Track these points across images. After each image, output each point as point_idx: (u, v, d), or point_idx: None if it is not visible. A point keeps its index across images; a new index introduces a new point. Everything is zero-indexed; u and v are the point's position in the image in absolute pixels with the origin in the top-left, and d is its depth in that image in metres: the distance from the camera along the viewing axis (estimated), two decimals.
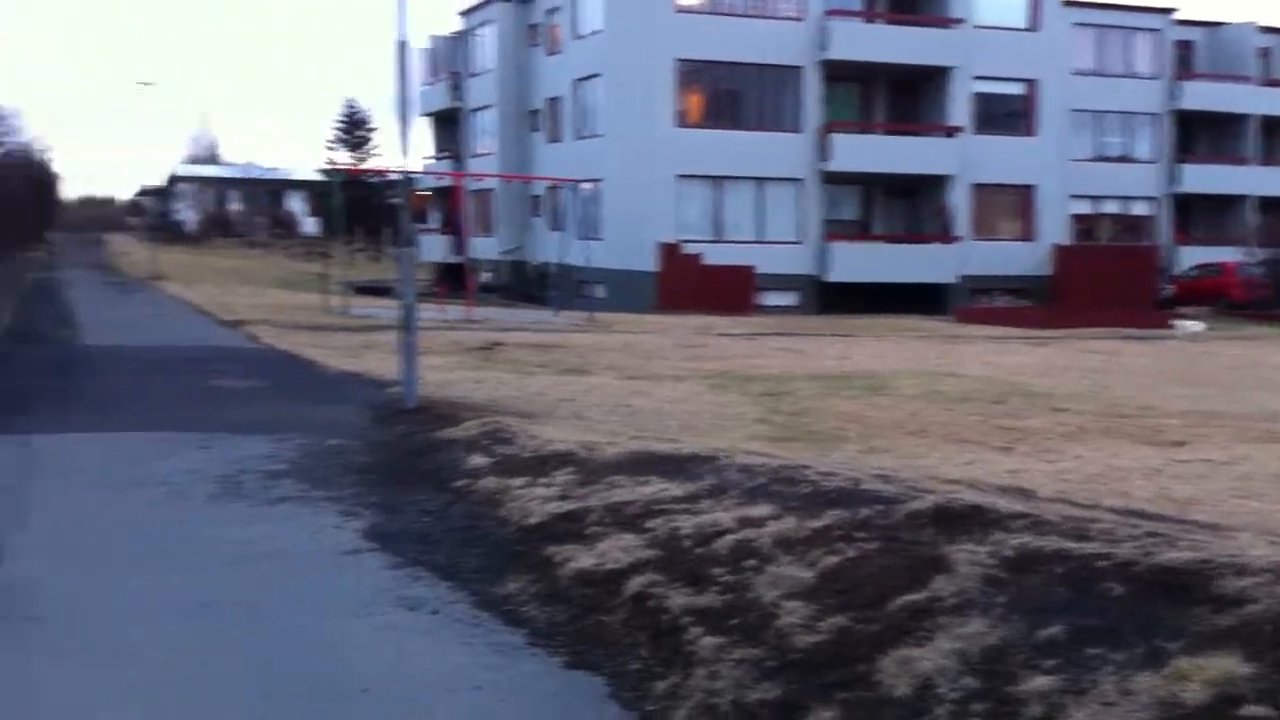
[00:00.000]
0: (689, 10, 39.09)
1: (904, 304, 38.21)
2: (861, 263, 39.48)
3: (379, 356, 17.16)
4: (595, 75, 41.55)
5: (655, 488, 7.28)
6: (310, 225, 71.28)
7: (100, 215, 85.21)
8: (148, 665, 5.21)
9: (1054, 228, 43.50)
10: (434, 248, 49.26)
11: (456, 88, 52.40)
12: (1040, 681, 3.93)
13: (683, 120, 38.99)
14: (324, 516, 7.89)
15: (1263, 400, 16.36)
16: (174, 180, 79.01)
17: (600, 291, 37.94)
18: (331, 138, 76.44)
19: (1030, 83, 42.42)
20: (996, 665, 4.12)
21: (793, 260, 39.35)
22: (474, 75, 51.10)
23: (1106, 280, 39.05)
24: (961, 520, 5.58)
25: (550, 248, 41.77)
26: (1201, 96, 48.18)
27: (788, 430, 12.18)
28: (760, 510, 6.34)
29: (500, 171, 45.89)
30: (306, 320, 24.34)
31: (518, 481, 8.12)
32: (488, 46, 49.62)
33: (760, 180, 39.47)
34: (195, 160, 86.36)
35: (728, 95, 39.95)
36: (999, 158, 41.38)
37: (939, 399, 15.12)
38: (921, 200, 42.48)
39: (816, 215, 40.28)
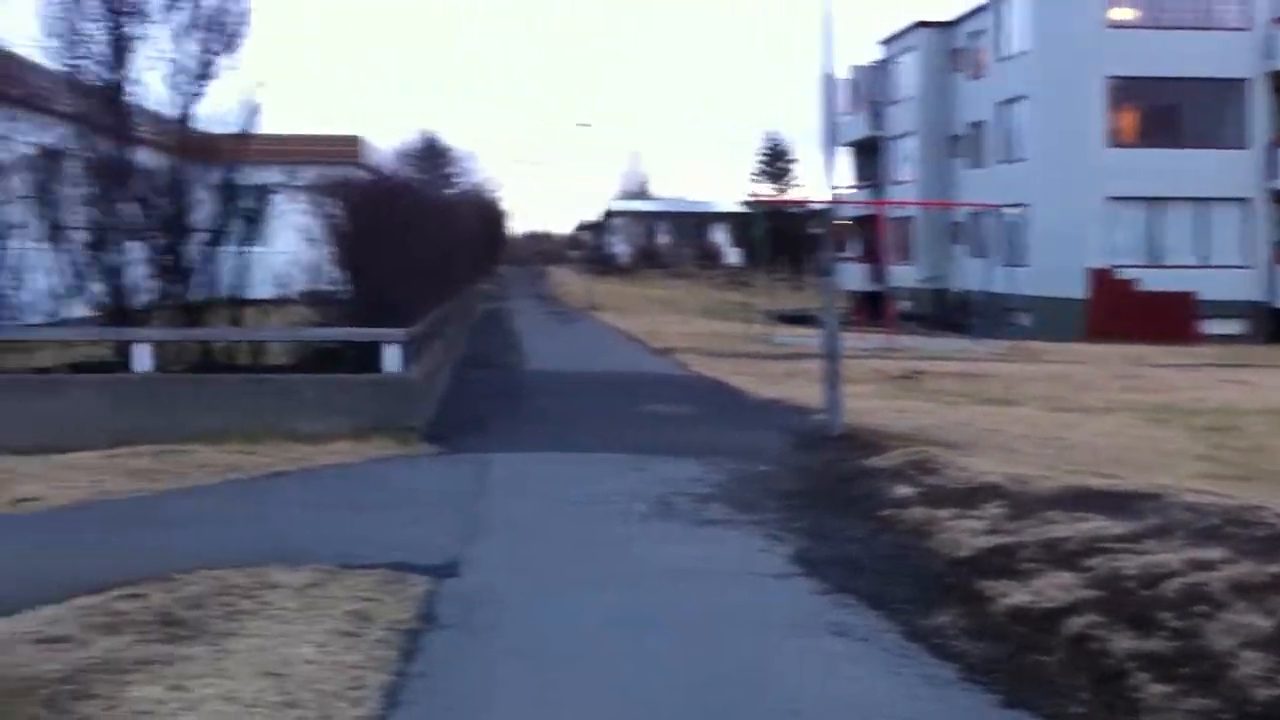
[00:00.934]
0: (1122, 26, 37.20)
1: None
2: None
3: (801, 384, 17.38)
4: (1021, 97, 40.29)
5: (1093, 525, 6.99)
6: (733, 256, 73.16)
7: (542, 249, 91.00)
8: (591, 673, 5.54)
9: None
10: (853, 276, 49.27)
11: (877, 116, 52.31)
12: None
13: (1114, 140, 37.09)
14: (752, 540, 8.09)
15: None
16: (608, 215, 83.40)
17: (1024, 319, 36.68)
18: (754, 170, 78.41)
19: None
20: None
21: (1238, 286, 36.47)
22: (894, 103, 50.84)
23: None
24: None
25: (972, 275, 40.72)
26: None
27: (1237, 468, 11.31)
28: (1212, 553, 5.96)
29: (920, 199, 45.31)
30: (731, 348, 24.99)
31: (945, 513, 8.01)
32: (908, 73, 49.25)
33: (1200, 200, 36.88)
34: (628, 195, 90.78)
35: (1163, 112, 37.65)
36: None
37: None
38: None
39: (1265, 237, 37.19)
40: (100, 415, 11.69)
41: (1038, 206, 38.27)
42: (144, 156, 14.25)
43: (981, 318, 33.05)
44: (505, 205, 65.74)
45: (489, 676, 5.50)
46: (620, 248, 76.85)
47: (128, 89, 13.98)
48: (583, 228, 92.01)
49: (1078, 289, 36.36)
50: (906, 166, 50.03)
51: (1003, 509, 7.80)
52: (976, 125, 44.54)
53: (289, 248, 14.79)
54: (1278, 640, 4.76)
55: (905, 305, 45.21)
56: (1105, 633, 5.31)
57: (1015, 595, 6.11)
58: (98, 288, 13.50)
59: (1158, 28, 36.97)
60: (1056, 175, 37.90)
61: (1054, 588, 6.02)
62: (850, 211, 51.66)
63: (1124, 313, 34.64)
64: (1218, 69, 36.45)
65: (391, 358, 12.36)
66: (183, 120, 14.41)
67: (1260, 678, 4.48)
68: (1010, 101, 41.34)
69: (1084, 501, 7.62)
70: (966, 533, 7.44)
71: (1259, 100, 36.93)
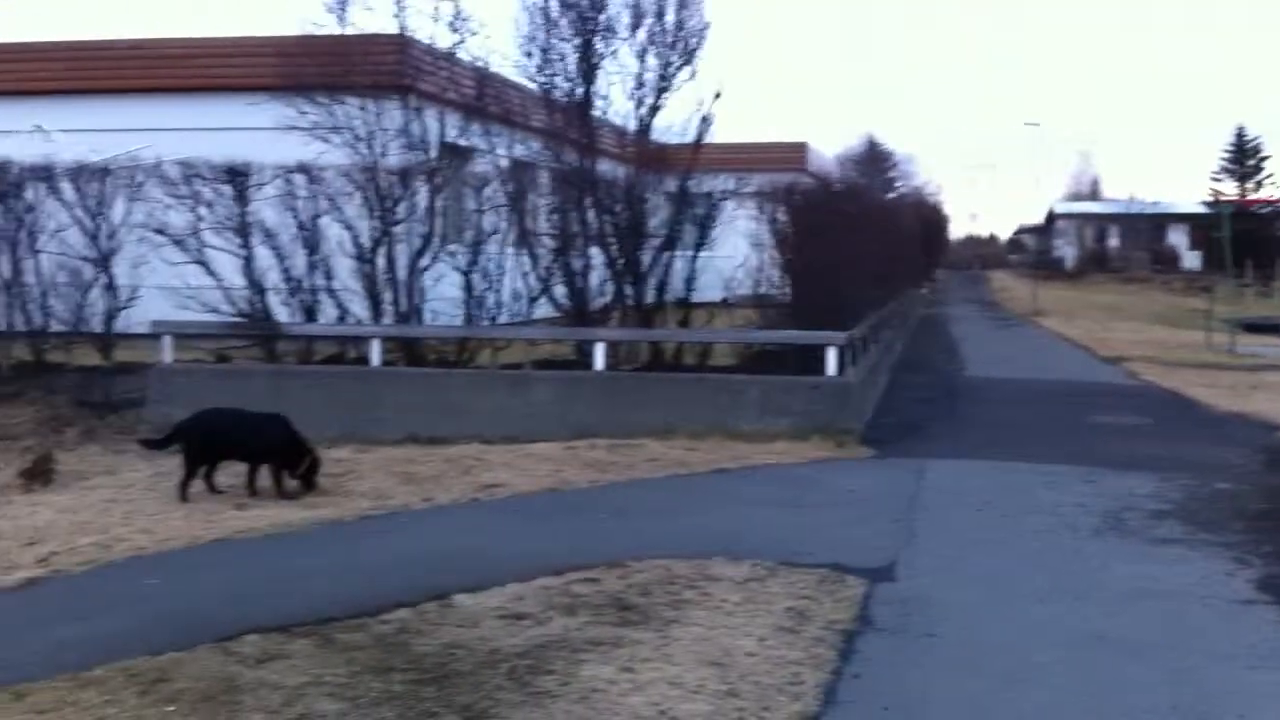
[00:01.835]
0: None
1: None
2: None
3: (1269, 398, 16.05)
4: None
5: None
6: (1192, 259, 68.37)
7: (982, 253, 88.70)
8: (1035, 693, 5.36)
9: None
10: None
11: None
12: None
13: None
14: (1213, 562, 7.57)
15: None
16: (1052, 217, 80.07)
17: None
18: (1217, 167, 72.79)
19: None
20: None
21: None
22: None
23: None
24: None
25: None
26: None
27: None
28: None
29: None
30: (1189, 358, 23.37)
31: None
32: None
33: None
34: (1075, 197, 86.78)
35: None
36: None
37: None
38: None
39: None
40: (560, 409, 12.53)
41: None
42: (605, 166, 15.15)
43: None
44: (945, 208, 64.63)
45: (926, 685, 5.45)
46: (1066, 251, 73.57)
47: (594, 103, 14.92)
48: (1023, 231, 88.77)
49: None
50: None
51: None
52: None
53: (735, 252, 15.26)
54: None
55: None
56: None
57: None
58: (560, 290, 14.47)
59: None
60: None
61: None
62: None
63: None
64: None
65: (831, 361, 12.48)
66: (642, 132, 15.22)
67: None
68: None
69: None
70: None
71: None
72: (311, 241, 13.94)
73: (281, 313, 14.02)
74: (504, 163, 14.81)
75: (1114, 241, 74.72)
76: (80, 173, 14.52)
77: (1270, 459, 11.23)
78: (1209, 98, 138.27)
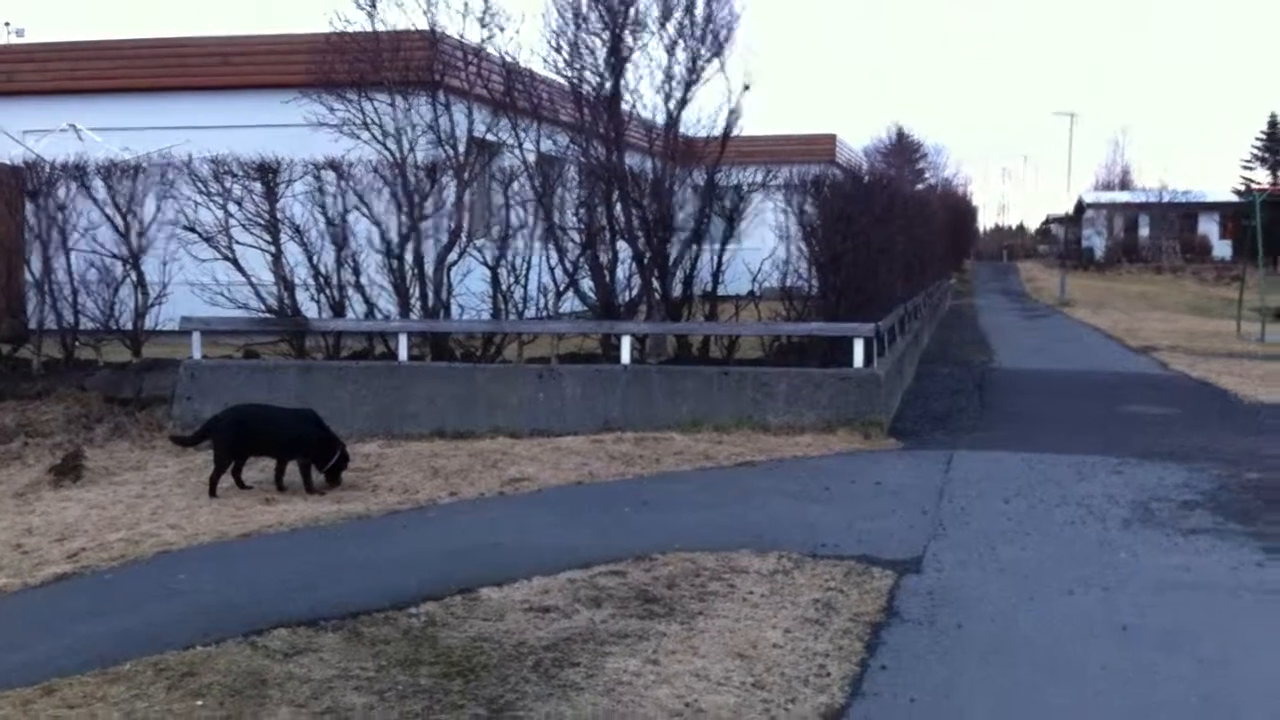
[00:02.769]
0: None
1: None
2: None
3: None
4: None
5: None
6: (1223, 249, 67.76)
7: (1010, 243, 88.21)
8: (1064, 684, 5.34)
9: None
10: None
11: None
12: None
13: None
14: (1243, 552, 7.51)
15: None
16: (1081, 207, 79.53)
17: None
18: (1249, 156, 72.16)
19: None
20: None
21: None
22: None
23: None
24: None
25: None
26: None
27: None
28: None
29: None
30: (1219, 347, 23.19)
31: None
32: None
33: None
34: (1105, 186, 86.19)
35: None
36: None
37: None
38: None
39: None
40: (587, 403, 12.54)
41: None
42: (633, 160, 15.14)
43: None
44: (974, 199, 64.29)
45: (953, 677, 5.43)
46: (1095, 241, 73.05)
47: (622, 96, 14.91)
48: (1052, 220, 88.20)
49: None
50: None
51: None
52: None
53: (762, 245, 15.22)
54: None
55: None
56: None
57: None
58: (587, 284, 14.48)
59: None
60: None
61: None
62: None
63: None
64: None
65: (859, 352, 12.44)
66: (670, 125, 15.19)
67: None
68: None
69: None
70: None
71: None
72: (340, 237, 14.01)
73: (310, 308, 14.11)
74: (531, 157, 14.82)
75: (1144, 231, 74.10)
76: (112, 170, 14.68)
77: None
78: (1241, 86, 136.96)
